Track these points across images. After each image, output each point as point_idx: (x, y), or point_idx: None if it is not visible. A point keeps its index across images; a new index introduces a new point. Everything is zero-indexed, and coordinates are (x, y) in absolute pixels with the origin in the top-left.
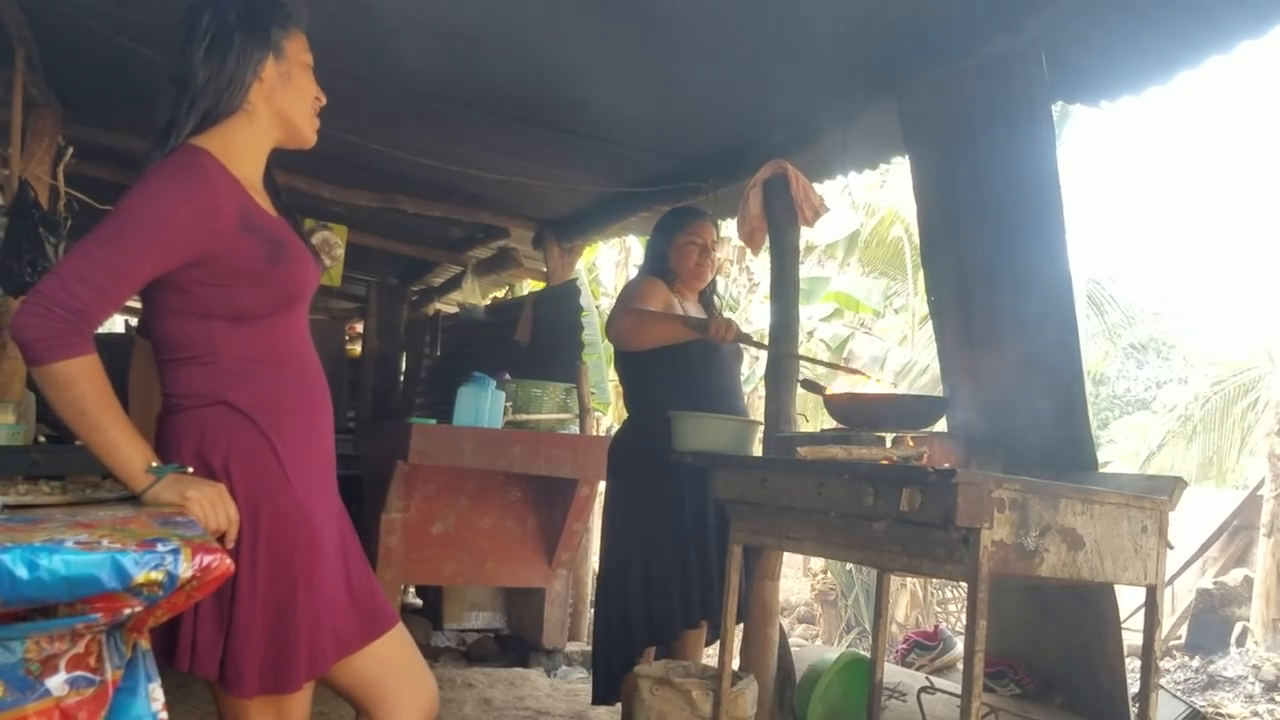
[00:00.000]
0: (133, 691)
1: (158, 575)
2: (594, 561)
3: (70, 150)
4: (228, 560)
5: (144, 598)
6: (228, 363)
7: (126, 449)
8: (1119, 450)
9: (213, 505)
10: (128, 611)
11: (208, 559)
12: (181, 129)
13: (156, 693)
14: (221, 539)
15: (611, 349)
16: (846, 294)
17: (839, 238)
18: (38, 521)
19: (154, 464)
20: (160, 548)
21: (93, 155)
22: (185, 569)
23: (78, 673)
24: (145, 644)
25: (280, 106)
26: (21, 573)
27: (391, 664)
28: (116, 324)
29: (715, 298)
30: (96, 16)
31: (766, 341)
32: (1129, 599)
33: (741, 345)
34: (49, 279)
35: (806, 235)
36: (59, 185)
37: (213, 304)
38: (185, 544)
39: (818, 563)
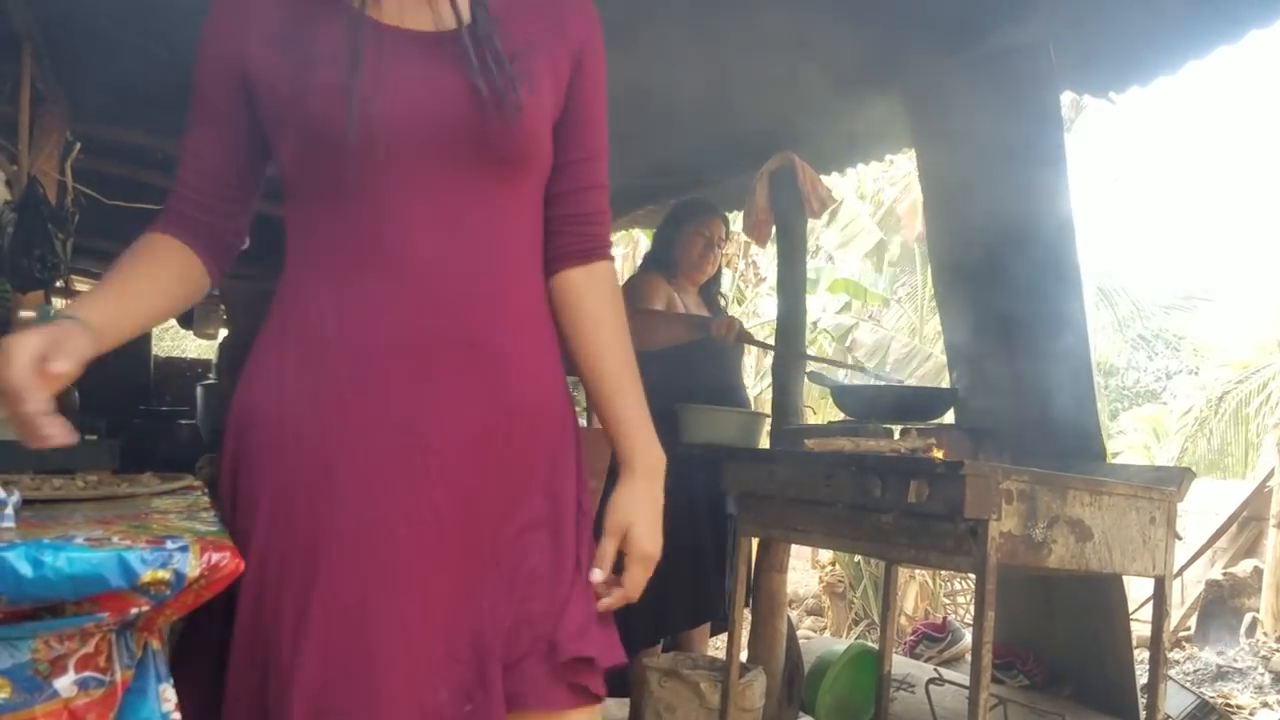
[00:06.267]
0: (143, 692)
1: (165, 574)
2: None
3: (78, 146)
4: (237, 559)
5: (151, 596)
6: (289, 278)
7: (84, 304)
8: (1128, 441)
9: None
10: (135, 611)
11: (215, 556)
12: None
13: (168, 693)
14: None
15: None
16: (854, 281)
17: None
18: (58, 517)
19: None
20: (169, 545)
21: (101, 151)
22: (193, 567)
23: (87, 673)
24: (156, 644)
25: None
26: (26, 571)
27: None
28: None
29: (720, 297)
30: (105, 12)
31: (772, 337)
32: (1138, 590)
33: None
34: None
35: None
36: (68, 181)
37: (287, 195)
38: (195, 540)
39: (826, 555)
